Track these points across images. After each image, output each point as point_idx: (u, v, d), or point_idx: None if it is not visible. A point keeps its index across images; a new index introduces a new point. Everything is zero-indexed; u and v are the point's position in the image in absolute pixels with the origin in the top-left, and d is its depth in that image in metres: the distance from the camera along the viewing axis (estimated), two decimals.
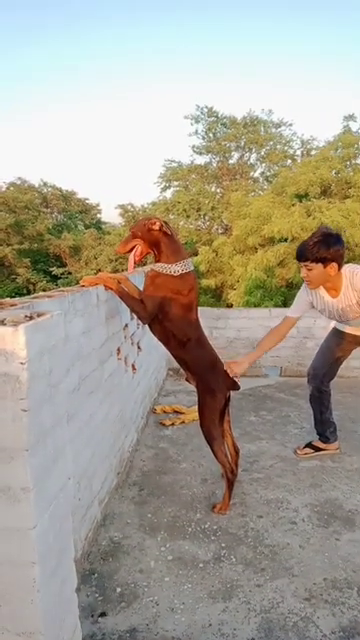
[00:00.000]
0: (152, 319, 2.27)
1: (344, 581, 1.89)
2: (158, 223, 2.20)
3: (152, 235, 2.21)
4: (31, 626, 1.19)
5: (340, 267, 2.43)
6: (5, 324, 1.08)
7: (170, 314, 2.24)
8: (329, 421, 3.01)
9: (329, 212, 8.39)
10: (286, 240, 8.96)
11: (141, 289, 2.33)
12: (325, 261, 2.38)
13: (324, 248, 2.37)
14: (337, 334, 2.91)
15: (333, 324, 2.96)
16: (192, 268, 2.30)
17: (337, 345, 2.90)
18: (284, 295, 8.85)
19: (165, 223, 2.24)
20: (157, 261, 2.25)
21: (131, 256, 2.26)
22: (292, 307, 2.73)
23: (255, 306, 8.21)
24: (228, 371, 2.40)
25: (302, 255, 2.44)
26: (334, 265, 2.40)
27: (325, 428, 3.01)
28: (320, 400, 2.97)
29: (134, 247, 2.24)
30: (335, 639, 1.62)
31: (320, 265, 2.40)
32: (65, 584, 1.35)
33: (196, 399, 2.43)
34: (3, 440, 1.09)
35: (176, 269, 2.21)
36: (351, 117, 11.04)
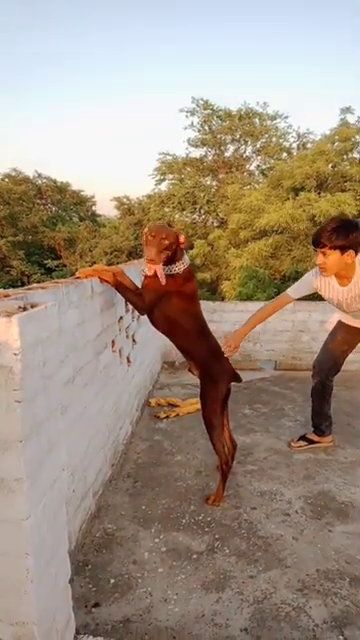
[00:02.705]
0: (152, 311, 2.28)
1: (336, 572, 1.91)
2: (183, 236, 2.20)
3: (177, 247, 2.19)
4: (25, 616, 1.19)
5: (357, 254, 2.39)
6: None
7: (173, 305, 2.25)
8: (327, 415, 3.02)
9: (318, 203, 8.38)
10: (277, 232, 8.96)
11: (136, 283, 2.33)
12: (343, 248, 2.34)
13: (342, 235, 2.33)
14: (343, 327, 2.90)
15: (338, 317, 2.95)
16: (188, 263, 2.31)
17: (342, 338, 2.90)
18: (277, 287, 8.86)
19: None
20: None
21: (161, 271, 2.11)
22: (294, 287, 2.69)
23: (248, 297, 8.21)
24: (226, 346, 2.46)
25: (318, 241, 2.38)
26: (351, 253, 2.35)
27: (322, 421, 3.02)
28: (322, 394, 2.98)
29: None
30: (327, 629, 1.63)
31: (337, 252, 2.35)
32: (59, 575, 1.35)
33: (191, 392, 2.43)
34: None
35: (176, 269, 2.21)
36: (348, 110, 11.00)
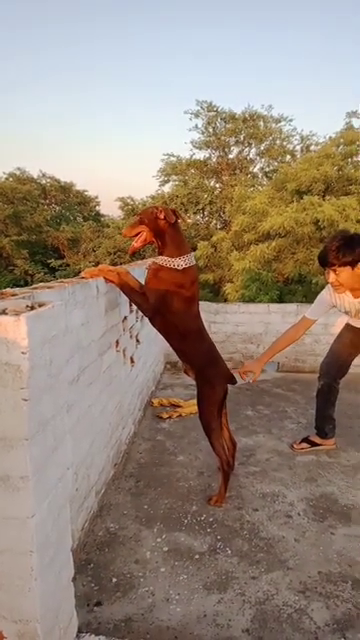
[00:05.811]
0: (154, 312, 2.27)
1: (338, 575, 1.91)
2: (163, 213, 2.19)
3: (158, 225, 2.20)
4: (28, 614, 1.19)
5: None
6: (7, 314, 1.08)
7: (173, 307, 2.24)
8: (331, 417, 3.03)
9: (322, 208, 8.35)
10: (280, 235, 8.95)
11: (142, 282, 2.33)
12: (353, 263, 2.39)
13: (349, 251, 2.38)
14: (351, 330, 2.92)
15: (345, 320, 2.97)
16: (194, 262, 2.29)
17: (350, 341, 2.93)
18: (280, 290, 8.85)
19: (174, 212, 2.24)
20: (160, 253, 2.24)
21: (134, 241, 2.29)
22: (312, 309, 2.76)
23: (250, 300, 8.20)
24: (243, 374, 2.58)
25: (326, 261, 2.44)
26: None
27: (325, 424, 3.02)
28: (327, 396, 2.99)
29: (139, 233, 2.25)
30: (329, 631, 1.63)
31: (348, 268, 2.41)
32: (62, 573, 1.36)
33: (194, 393, 2.43)
34: (3, 429, 1.09)
35: (179, 263, 2.20)
36: (354, 114, 10.98)
